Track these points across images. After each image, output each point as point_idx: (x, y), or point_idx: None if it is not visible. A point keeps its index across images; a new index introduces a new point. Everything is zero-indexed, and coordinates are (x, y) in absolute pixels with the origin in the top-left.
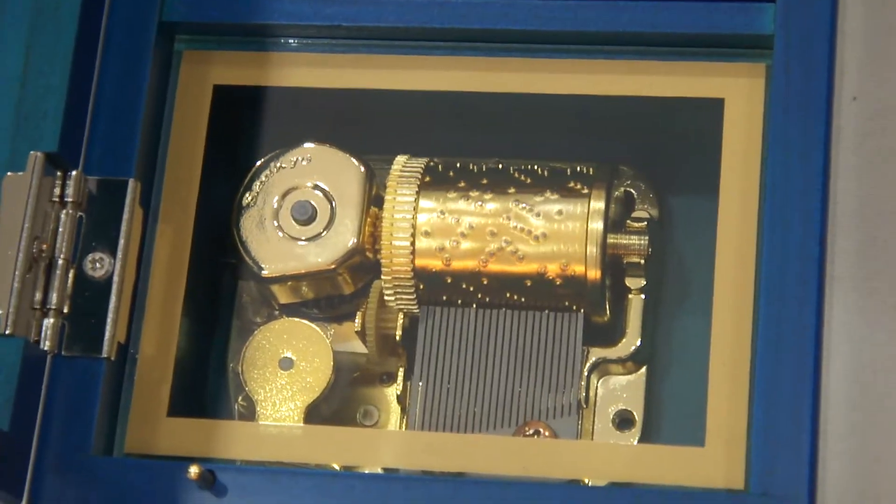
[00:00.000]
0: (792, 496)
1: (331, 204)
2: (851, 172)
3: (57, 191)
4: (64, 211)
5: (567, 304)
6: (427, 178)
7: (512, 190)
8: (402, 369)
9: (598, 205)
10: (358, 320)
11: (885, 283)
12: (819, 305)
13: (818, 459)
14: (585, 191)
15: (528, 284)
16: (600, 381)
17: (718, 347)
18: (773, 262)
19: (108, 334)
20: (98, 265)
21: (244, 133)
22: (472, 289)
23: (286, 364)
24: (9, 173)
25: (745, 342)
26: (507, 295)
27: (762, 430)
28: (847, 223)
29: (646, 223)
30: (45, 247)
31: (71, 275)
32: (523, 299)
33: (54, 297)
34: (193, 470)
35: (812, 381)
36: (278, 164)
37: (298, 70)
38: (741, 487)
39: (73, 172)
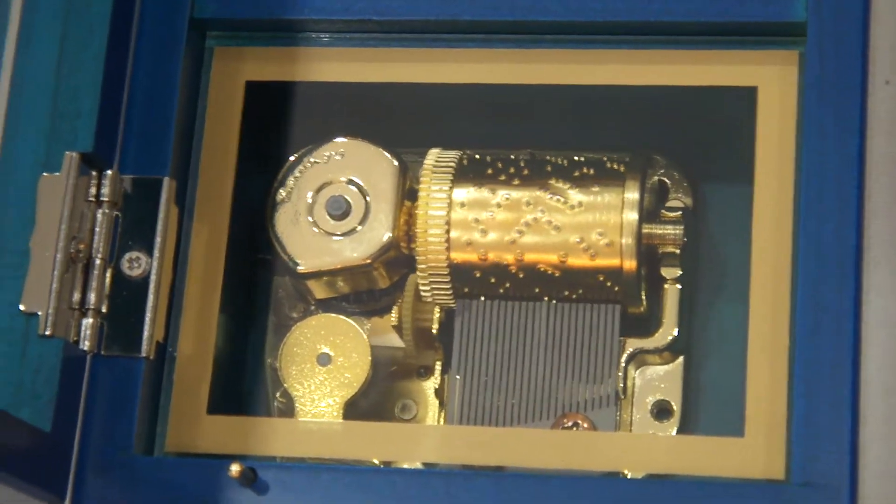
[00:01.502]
0: (833, 485)
1: (365, 198)
2: (885, 156)
3: (93, 190)
4: (100, 210)
5: (603, 295)
6: (460, 171)
7: (545, 182)
8: (439, 363)
9: (633, 195)
10: (394, 314)
11: None
12: (857, 291)
13: (859, 447)
14: (619, 181)
15: (563, 274)
16: (638, 371)
17: (756, 336)
18: (810, 249)
19: (146, 333)
20: (135, 264)
21: (277, 129)
22: (509, 276)
23: (324, 360)
24: (45, 174)
25: (782, 330)
26: (544, 283)
27: (802, 419)
28: (881, 207)
29: (680, 212)
30: (82, 247)
31: (108, 274)
32: (559, 290)
33: (92, 298)
34: (235, 468)
35: (852, 367)
36: (311, 160)
37: (330, 65)
38: (782, 478)
39: (109, 172)
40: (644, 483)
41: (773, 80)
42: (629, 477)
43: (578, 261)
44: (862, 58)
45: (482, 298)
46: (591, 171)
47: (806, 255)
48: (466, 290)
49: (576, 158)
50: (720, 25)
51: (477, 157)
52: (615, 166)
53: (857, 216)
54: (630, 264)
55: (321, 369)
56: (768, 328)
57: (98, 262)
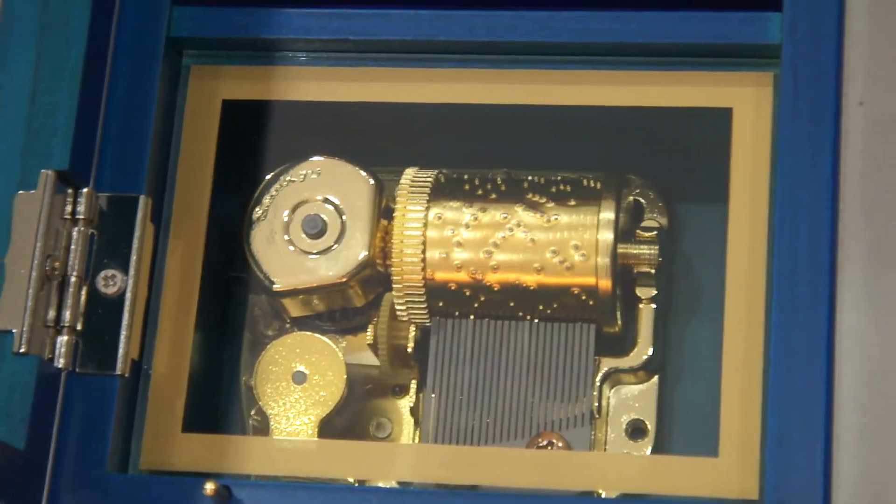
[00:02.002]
0: None
1: (341, 217)
2: (858, 177)
3: (68, 208)
4: (76, 228)
5: (578, 314)
6: (436, 190)
7: (520, 200)
8: (414, 381)
9: (608, 215)
10: (370, 333)
11: (895, 286)
12: (831, 311)
13: (832, 467)
14: (595, 201)
15: (539, 293)
16: (612, 390)
17: (730, 355)
18: (784, 269)
19: (121, 351)
20: (110, 282)
21: (253, 147)
22: (484, 294)
23: (299, 378)
24: (20, 192)
25: (757, 350)
26: (519, 302)
27: (776, 438)
28: (855, 227)
29: (655, 232)
30: (57, 264)
31: (84, 292)
32: (534, 309)
33: (68, 315)
34: (209, 486)
35: (825, 387)
36: (288, 178)
37: (306, 84)
38: (755, 497)
39: (84, 190)
40: (618, 502)
41: (748, 102)
42: (603, 496)
43: (553, 280)
44: (836, 79)
45: (458, 317)
46: (567, 191)
47: (780, 275)
48: (442, 308)
49: (551, 178)
50: (696, 47)
51: (453, 176)
52: (591, 186)
53: (831, 236)
54: (605, 284)
55: (296, 387)
56: (742, 348)
57: (73, 279)
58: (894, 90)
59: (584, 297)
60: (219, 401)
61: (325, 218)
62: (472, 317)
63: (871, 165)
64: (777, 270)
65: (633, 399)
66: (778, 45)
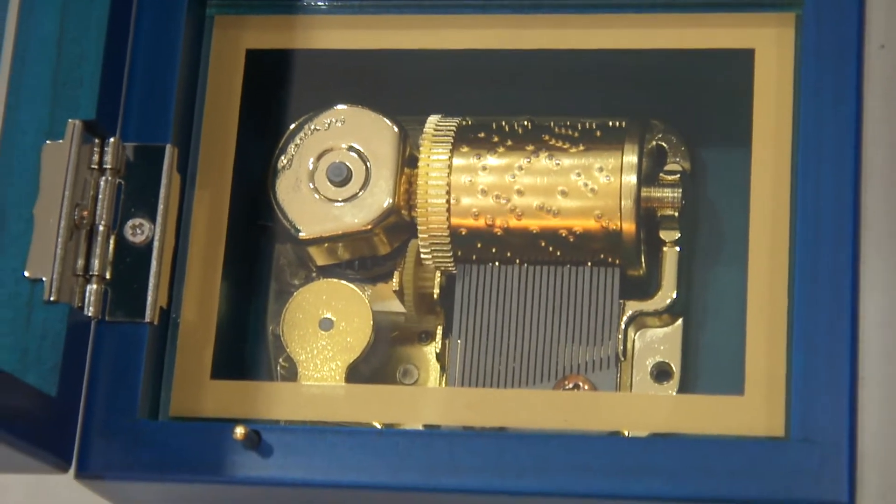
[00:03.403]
0: (832, 442)
1: (366, 165)
2: (879, 120)
3: (95, 158)
4: (103, 178)
5: (603, 258)
6: (459, 137)
7: (544, 146)
8: (440, 327)
9: (631, 159)
10: (395, 280)
11: None
12: (855, 252)
13: (857, 404)
14: (618, 145)
15: (564, 237)
16: (637, 334)
17: (755, 296)
18: (808, 210)
19: (150, 299)
20: (138, 231)
21: (278, 96)
22: (509, 240)
23: (326, 325)
24: (48, 142)
25: (781, 290)
26: (543, 247)
27: (801, 376)
28: (876, 170)
29: (678, 176)
30: (85, 214)
31: (112, 241)
32: (559, 253)
33: (96, 264)
34: (239, 430)
35: (850, 326)
36: (312, 127)
37: (330, 32)
38: (781, 434)
39: (111, 139)
40: (645, 441)
41: (770, 43)
42: (630, 436)
43: (578, 223)
44: (858, 21)
45: (483, 262)
46: (590, 136)
47: (804, 217)
48: (468, 254)
49: (574, 123)
50: None
51: (476, 123)
52: (613, 133)
53: (853, 178)
54: (629, 227)
55: (323, 334)
56: (767, 289)
57: (101, 228)
58: None
59: (608, 241)
60: (247, 348)
61: (350, 166)
62: (497, 262)
63: (891, 108)
64: (800, 211)
65: (658, 342)
66: None
